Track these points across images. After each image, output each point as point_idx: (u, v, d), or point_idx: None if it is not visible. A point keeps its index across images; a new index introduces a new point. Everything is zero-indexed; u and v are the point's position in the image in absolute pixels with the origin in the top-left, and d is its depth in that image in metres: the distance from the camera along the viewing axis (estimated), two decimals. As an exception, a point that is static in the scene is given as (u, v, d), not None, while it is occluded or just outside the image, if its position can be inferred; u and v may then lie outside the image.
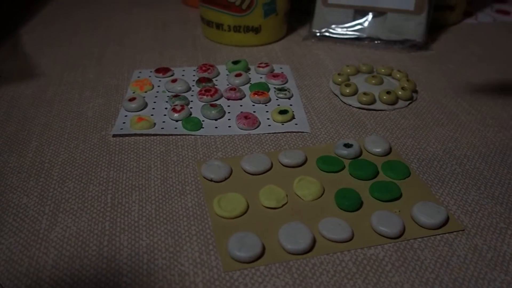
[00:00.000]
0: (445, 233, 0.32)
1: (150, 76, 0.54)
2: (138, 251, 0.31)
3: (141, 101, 0.47)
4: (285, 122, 0.45)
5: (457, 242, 0.31)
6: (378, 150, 0.40)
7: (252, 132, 0.43)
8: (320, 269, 0.30)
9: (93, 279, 0.29)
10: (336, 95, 0.50)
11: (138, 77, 0.54)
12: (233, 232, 0.32)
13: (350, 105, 0.48)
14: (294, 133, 0.43)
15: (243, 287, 0.28)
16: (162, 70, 0.54)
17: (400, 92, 0.48)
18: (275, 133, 0.43)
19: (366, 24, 0.61)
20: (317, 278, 0.29)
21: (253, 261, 0.30)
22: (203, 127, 0.44)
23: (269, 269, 0.29)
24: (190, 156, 0.40)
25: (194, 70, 0.55)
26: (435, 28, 0.67)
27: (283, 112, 0.45)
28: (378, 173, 0.38)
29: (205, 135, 0.43)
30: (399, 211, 0.34)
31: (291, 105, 0.48)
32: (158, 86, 0.51)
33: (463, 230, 0.32)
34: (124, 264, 0.30)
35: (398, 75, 0.52)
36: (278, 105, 0.48)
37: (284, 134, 0.43)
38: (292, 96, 0.49)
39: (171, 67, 0.56)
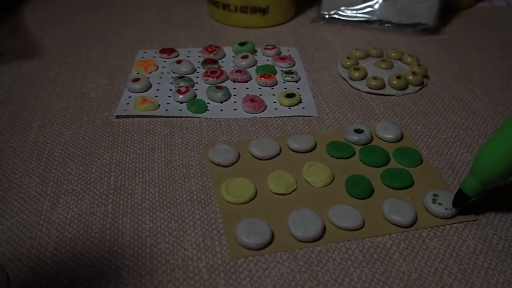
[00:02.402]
0: (454, 223, 0.31)
1: (154, 57, 0.52)
2: (141, 234, 0.30)
3: (145, 82, 0.46)
4: (292, 106, 0.44)
5: (467, 232, 0.31)
6: (389, 136, 0.39)
7: (258, 115, 0.42)
8: (326, 256, 0.29)
9: (95, 261, 0.28)
10: (345, 79, 0.48)
11: (143, 57, 0.52)
12: (241, 218, 0.31)
13: (359, 90, 0.47)
14: (301, 117, 0.42)
15: (247, 273, 0.28)
16: (167, 51, 0.52)
17: (410, 77, 0.47)
18: (281, 117, 0.42)
19: (376, 6, 0.60)
20: (322, 266, 0.28)
21: (261, 248, 0.29)
22: (208, 110, 0.43)
23: (275, 256, 0.29)
24: (195, 139, 0.39)
25: (199, 51, 0.54)
26: (447, 11, 0.65)
27: (290, 95, 0.44)
28: (389, 160, 0.37)
29: (210, 118, 0.42)
30: (411, 199, 0.33)
31: (298, 88, 0.47)
32: (163, 67, 0.50)
33: (477, 220, 0.32)
34: (127, 248, 0.29)
35: (408, 60, 0.50)
36: (285, 88, 0.47)
37: (291, 118, 0.42)
38: (299, 79, 0.48)
39: (176, 47, 0.55)
